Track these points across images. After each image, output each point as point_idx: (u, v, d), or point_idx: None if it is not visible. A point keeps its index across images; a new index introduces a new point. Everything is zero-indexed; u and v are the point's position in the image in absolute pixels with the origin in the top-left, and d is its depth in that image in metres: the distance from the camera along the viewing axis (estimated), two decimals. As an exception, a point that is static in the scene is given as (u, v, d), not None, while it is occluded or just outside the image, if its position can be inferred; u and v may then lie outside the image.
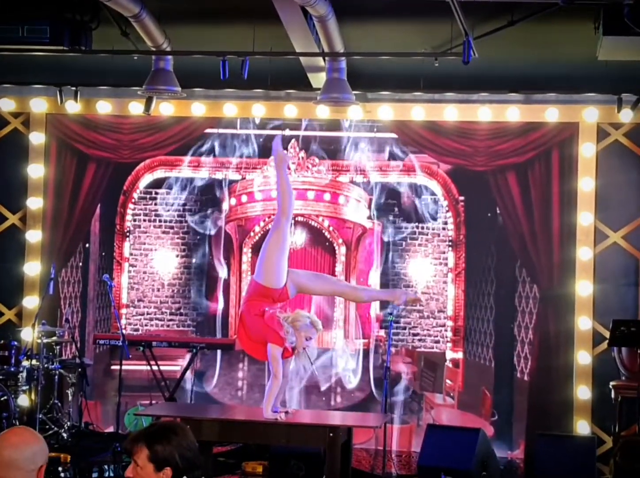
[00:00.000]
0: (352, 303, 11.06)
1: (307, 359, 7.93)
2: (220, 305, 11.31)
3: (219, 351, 11.20)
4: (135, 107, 11.29)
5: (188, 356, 10.56)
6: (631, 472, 4.22)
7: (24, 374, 10.16)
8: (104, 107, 11.44)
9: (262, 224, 11.33)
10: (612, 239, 10.72)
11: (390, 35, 9.31)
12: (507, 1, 8.04)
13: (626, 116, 10.47)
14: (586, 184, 10.71)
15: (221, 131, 11.33)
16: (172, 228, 11.47)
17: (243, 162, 11.31)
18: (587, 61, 9.17)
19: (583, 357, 10.59)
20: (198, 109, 11.30)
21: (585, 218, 10.69)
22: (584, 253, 10.67)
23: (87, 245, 11.51)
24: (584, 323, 10.61)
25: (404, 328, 11.06)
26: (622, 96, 10.26)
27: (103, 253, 11.52)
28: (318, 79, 10.11)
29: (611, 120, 10.68)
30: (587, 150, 10.73)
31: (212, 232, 11.36)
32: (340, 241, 11.24)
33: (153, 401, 10.45)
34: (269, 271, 7.89)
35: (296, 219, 11.18)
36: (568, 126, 10.78)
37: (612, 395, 10.11)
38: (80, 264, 11.51)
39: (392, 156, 11.14)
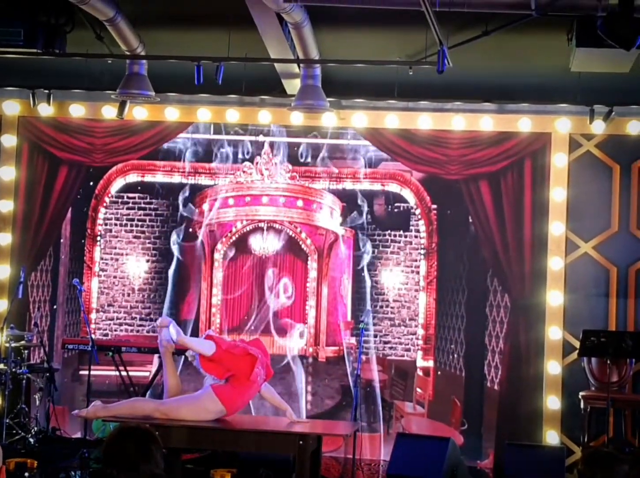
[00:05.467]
0: (323, 310, 11.06)
1: None
2: (192, 310, 11.26)
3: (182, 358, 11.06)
4: (109, 111, 11.24)
5: (157, 362, 10.51)
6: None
7: (-8, 378, 10.07)
8: (77, 111, 11.38)
9: (234, 229, 11.30)
10: (583, 249, 10.76)
11: (365, 43, 9.32)
12: (482, 12, 8.06)
13: (598, 127, 10.52)
14: (558, 194, 10.74)
15: (194, 136, 11.30)
16: (143, 232, 11.41)
17: (215, 168, 11.28)
18: (560, 72, 9.22)
19: (553, 367, 10.61)
20: (171, 113, 11.25)
21: (556, 227, 10.72)
22: (555, 263, 10.70)
23: (57, 249, 11.44)
24: (554, 332, 10.63)
25: (375, 336, 11.04)
26: (594, 107, 10.31)
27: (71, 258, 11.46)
28: (292, 86, 10.10)
29: (583, 131, 10.72)
30: (559, 160, 10.77)
31: (184, 238, 11.31)
32: (313, 248, 11.22)
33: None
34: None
35: (270, 225, 11.19)
36: (541, 136, 10.82)
37: (582, 406, 10.14)
38: (50, 268, 11.45)
39: (365, 164, 11.14)
